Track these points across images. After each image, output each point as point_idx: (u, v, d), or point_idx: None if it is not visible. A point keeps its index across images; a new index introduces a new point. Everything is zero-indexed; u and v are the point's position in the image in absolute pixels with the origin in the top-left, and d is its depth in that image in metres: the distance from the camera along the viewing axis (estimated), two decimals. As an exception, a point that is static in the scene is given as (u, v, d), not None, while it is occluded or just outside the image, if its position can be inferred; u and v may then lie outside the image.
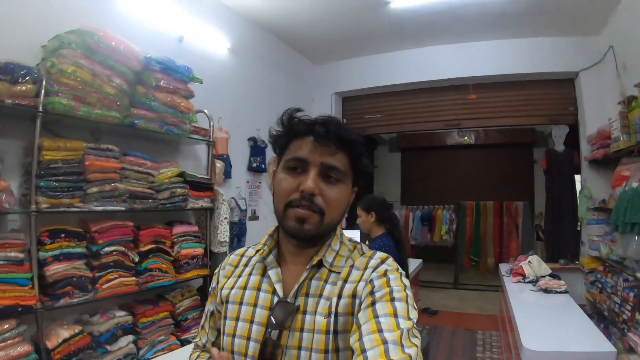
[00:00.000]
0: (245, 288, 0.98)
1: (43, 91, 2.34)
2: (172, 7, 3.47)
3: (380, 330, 0.77)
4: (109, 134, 2.84)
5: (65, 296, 2.37)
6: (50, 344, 2.25)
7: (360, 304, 0.87)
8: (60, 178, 2.43)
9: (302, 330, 0.88)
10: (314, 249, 0.97)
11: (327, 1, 4.13)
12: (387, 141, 10.18)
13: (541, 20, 4.58)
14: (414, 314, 0.84)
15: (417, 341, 0.79)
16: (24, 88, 2.26)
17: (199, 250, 3.17)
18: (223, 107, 3.92)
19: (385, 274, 0.90)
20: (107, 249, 2.60)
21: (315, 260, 0.94)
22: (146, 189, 2.86)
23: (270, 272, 0.97)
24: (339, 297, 0.90)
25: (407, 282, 0.91)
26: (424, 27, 4.82)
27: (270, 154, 4.54)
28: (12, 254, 2.19)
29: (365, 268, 0.94)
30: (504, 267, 4.33)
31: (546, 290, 3.35)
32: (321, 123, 0.94)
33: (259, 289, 0.96)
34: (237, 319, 0.94)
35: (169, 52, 3.10)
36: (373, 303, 0.84)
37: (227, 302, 0.99)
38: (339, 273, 0.94)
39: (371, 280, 0.89)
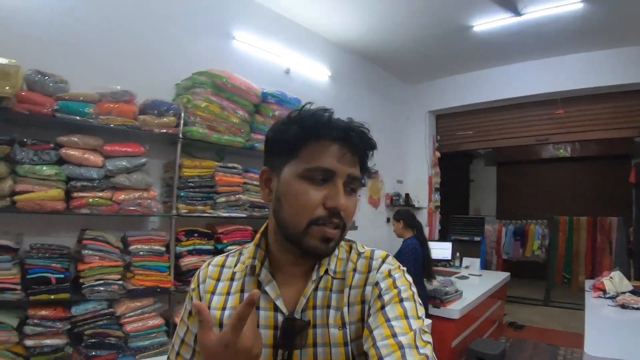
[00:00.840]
0: None
1: (182, 122, 3.00)
2: (280, 45, 4.08)
3: (394, 335, 0.76)
4: (231, 154, 3.46)
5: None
6: (177, 320, 2.82)
7: (370, 308, 0.84)
8: (196, 190, 3.09)
9: (315, 345, 0.82)
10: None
11: (417, 27, 4.47)
12: (483, 155, 9.93)
13: (627, 30, 4.39)
14: (421, 311, 0.83)
15: (428, 337, 0.79)
16: (167, 120, 2.94)
17: None
18: None
19: (390, 274, 0.87)
20: (230, 247, 3.14)
21: (322, 271, 0.88)
22: (263, 200, 3.36)
23: (267, 288, 0.86)
24: (348, 305, 0.86)
25: (410, 278, 0.89)
26: (508, 46, 4.97)
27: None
28: (156, 247, 2.86)
29: (369, 271, 0.89)
30: (588, 283, 4.17)
31: (623, 306, 3.24)
32: (355, 129, 0.84)
33: (257, 308, 0.85)
34: None
35: (278, 82, 3.72)
36: (383, 307, 0.82)
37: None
38: (343, 279, 0.89)
39: (377, 283, 0.86)
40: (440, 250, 5.18)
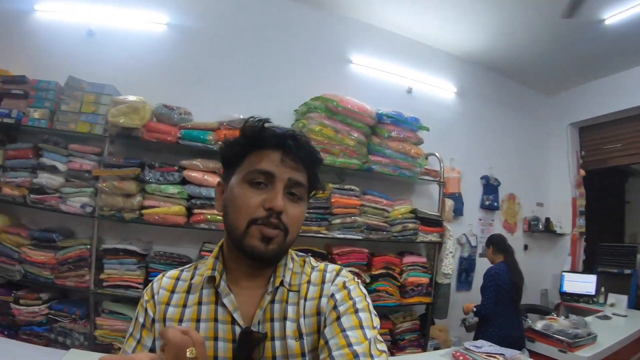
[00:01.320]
0: (198, 320, 0.85)
1: None
2: (400, 64, 3.97)
3: (349, 345, 0.78)
4: (351, 177, 3.45)
5: None
6: None
7: (325, 319, 0.85)
8: (312, 211, 3.11)
9: (274, 358, 0.83)
10: (269, 270, 0.90)
11: (542, 29, 3.87)
12: (643, 172, 8.29)
13: None
14: (377, 322, 0.85)
15: (383, 346, 0.82)
16: None
17: (425, 280, 3.42)
18: (454, 149, 4.12)
19: (344, 286, 0.89)
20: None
21: (277, 282, 0.88)
22: (381, 223, 3.30)
23: (225, 301, 0.85)
24: (304, 316, 0.86)
25: (364, 290, 0.90)
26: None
27: (504, 191, 4.50)
28: None
29: (323, 282, 0.90)
30: None
31: None
32: (292, 136, 0.87)
33: (215, 320, 0.85)
34: None
35: (399, 103, 3.61)
36: (338, 317, 0.83)
37: None
38: (297, 292, 0.89)
39: (332, 295, 0.87)
40: (583, 283, 4.48)
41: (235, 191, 0.85)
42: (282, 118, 3.35)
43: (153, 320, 0.87)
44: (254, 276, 0.88)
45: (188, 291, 0.90)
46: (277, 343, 0.83)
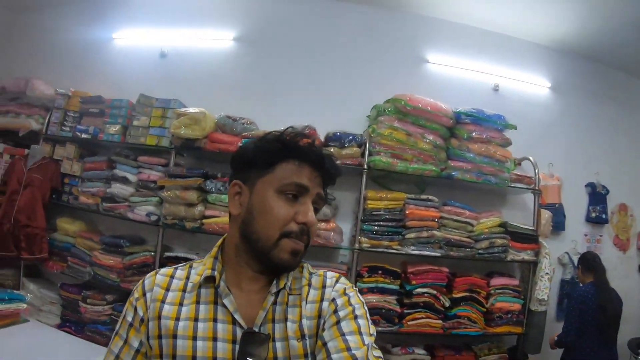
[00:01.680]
0: (196, 319, 0.83)
1: (367, 152, 2.87)
2: (483, 60, 3.51)
3: (348, 349, 0.78)
4: (433, 186, 3.10)
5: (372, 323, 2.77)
6: None
7: (324, 323, 0.86)
8: (382, 223, 2.82)
9: (275, 358, 0.81)
10: (273, 275, 0.89)
11: None
12: None
13: None
14: (373, 329, 0.86)
15: (379, 352, 0.82)
16: (350, 151, 2.86)
17: (516, 306, 2.89)
18: (552, 152, 3.52)
19: (344, 292, 0.90)
20: (420, 290, 2.77)
21: (282, 284, 0.87)
22: (464, 238, 2.88)
23: (226, 301, 0.84)
24: (305, 318, 0.86)
25: (362, 298, 0.91)
26: None
27: (613, 201, 3.72)
28: None
29: (324, 287, 0.92)
30: None
31: None
32: (327, 156, 0.92)
33: (215, 320, 0.83)
34: (194, 358, 0.79)
35: (484, 102, 3.14)
36: (338, 322, 0.84)
37: (174, 336, 0.81)
38: (299, 295, 0.89)
39: (333, 300, 0.88)
40: None
41: (268, 200, 0.85)
42: (354, 125, 3.10)
43: (142, 320, 0.85)
44: (256, 280, 0.88)
45: (184, 290, 0.88)
46: (279, 344, 0.83)
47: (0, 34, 4.20)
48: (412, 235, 2.82)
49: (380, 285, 2.78)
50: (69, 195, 3.25)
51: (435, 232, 2.83)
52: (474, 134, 2.89)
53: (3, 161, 3.38)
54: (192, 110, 2.96)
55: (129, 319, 0.86)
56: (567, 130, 3.69)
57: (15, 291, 2.50)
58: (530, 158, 3.18)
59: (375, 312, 2.72)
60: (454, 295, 2.83)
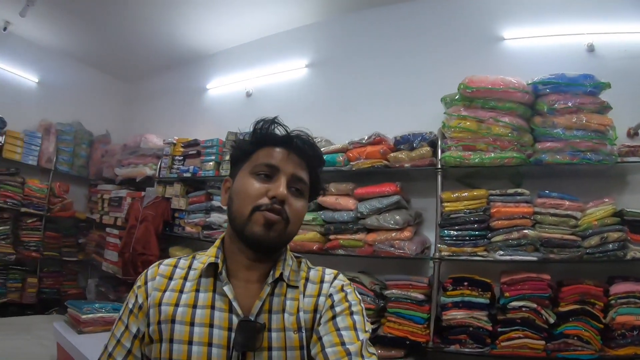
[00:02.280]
0: (195, 306, 0.86)
1: (440, 150, 2.60)
2: (571, 19, 2.74)
3: (343, 343, 0.81)
4: (531, 178, 2.58)
5: (456, 343, 2.35)
6: None
7: (321, 317, 0.88)
8: (461, 227, 2.46)
9: (270, 349, 0.84)
10: (268, 264, 0.92)
11: None
12: None
13: None
14: (368, 326, 0.88)
15: (373, 349, 0.85)
16: (421, 151, 2.64)
17: None
18: None
19: (342, 288, 0.93)
20: (515, 303, 2.25)
21: (277, 274, 0.90)
22: (567, 235, 2.26)
23: (225, 288, 0.86)
24: (303, 311, 0.89)
25: (359, 295, 0.94)
26: None
27: None
28: (414, 295, 2.47)
29: (322, 282, 0.95)
30: None
31: None
32: (297, 136, 0.95)
33: (212, 307, 0.86)
34: (191, 342, 0.82)
35: (577, 68, 2.41)
36: (334, 317, 0.87)
37: (172, 321, 0.84)
38: (296, 287, 0.92)
39: (331, 295, 0.91)
40: None
41: (241, 182, 0.91)
42: (431, 123, 2.78)
43: (140, 307, 0.89)
44: (253, 268, 0.91)
45: (185, 278, 0.92)
46: (274, 334, 0.85)
47: (121, 101, 5.52)
48: (499, 237, 2.35)
49: (467, 299, 2.36)
50: (178, 227, 3.88)
51: (527, 231, 2.29)
52: (556, 104, 2.29)
53: (126, 203, 4.20)
54: None
55: (130, 305, 0.91)
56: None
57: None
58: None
59: (461, 330, 2.34)
60: (561, 309, 2.20)
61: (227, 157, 3.46)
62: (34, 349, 3.12)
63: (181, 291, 0.89)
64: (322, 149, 2.82)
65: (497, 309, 2.37)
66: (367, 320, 0.89)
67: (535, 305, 2.23)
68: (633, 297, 2.14)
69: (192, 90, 4.73)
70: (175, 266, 0.94)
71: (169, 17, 3.96)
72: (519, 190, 2.39)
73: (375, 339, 2.45)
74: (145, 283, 0.91)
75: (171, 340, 0.83)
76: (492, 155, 2.40)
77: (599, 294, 2.19)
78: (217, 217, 3.46)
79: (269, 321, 0.86)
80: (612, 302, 2.17)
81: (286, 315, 0.87)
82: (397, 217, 2.62)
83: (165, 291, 0.89)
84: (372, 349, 0.84)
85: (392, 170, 2.76)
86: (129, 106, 5.68)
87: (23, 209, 4.40)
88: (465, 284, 2.40)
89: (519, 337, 2.23)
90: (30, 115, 4.71)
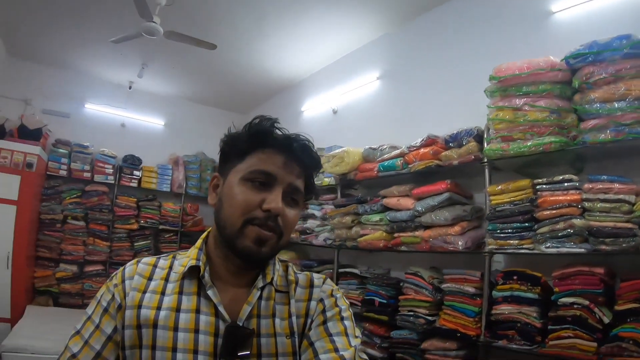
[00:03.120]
0: (178, 310, 0.79)
1: (485, 144, 2.55)
2: None
3: (336, 349, 0.79)
4: (595, 161, 2.30)
5: (504, 338, 2.24)
6: None
7: (312, 322, 0.86)
8: (506, 220, 2.36)
9: (259, 355, 0.79)
10: (256, 269, 0.88)
11: None
12: None
13: None
14: (358, 332, 0.87)
15: (365, 356, 0.83)
16: (468, 147, 2.62)
17: None
18: None
19: (332, 293, 0.91)
20: (566, 299, 2.05)
21: (268, 279, 0.87)
22: (619, 223, 1.95)
23: (210, 292, 0.81)
24: (295, 316, 0.86)
25: (347, 301, 0.93)
26: None
27: None
28: (467, 288, 2.48)
29: (311, 286, 0.92)
30: None
31: None
32: (297, 141, 0.86)
33: (197, 312, 0.79)
34: (175, 349, 0.76)
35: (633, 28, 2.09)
36: (325, 322, 0.85)
37: (154, 326, 0.78)
38: (286, 292, 0.89)
39: (322, 300, 0.89)
40: None
41: (234, 188, 0.83)
42: (483, 117, 2.63)
43: (120, 307, 0.81)
44: (239, 275, 0.86)
45: (166, 279, 0.85)
46: (264, 340, 0.81)
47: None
48: (544, 229, 2.16)
49: (516, 293, 2.23)
50: None
51: (575, 220, 2.06)
52: (591, 78, 2.02)
53: None
54: (337, 151, 3.51)
55: (104, 304, 0.82)
56: None
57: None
58: None
59: (509, 326, 2.22)
60: (618, 308, 1.90)
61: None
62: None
63: (163, 293, 0.82)
64: (384, 156, 3.16)
65: (549, 306, 2.15)
66: (356, 326, 0.87)
67: (587, 302, 1.98)
68: None
69: (290, 114, 5.20)
70: (155, 265, 0.88)
71: (262, 51, 4.48)
72: (567, 176, 2.16)
73: (433, 331, 2.59)
74: (123, 281, 0.84)
75: (154, 347, 0.76)
76: (530, 142, 2.22)
77: None
78: (311, 223, 3.85)
79: (258, 326, 0.82)
80: None
81: (277, 320, 0.84)
82: (447, 213, 2.64)
83: (144, 292, 0.82)
84: (364, 355, 0.82)
85: (444, 168, 2.76)
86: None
87: (161, 227, 5.40)
88: (515, 277, 2.27)
89: (569, 337, 1.99)
90: (160, 152, 5.75)
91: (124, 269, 0.86)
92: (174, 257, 0.90)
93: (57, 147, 4.96)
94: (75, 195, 4.95)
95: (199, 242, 0.89)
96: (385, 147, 3.21)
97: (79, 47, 4.62)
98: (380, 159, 3.17)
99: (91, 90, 5.39)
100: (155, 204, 5.42)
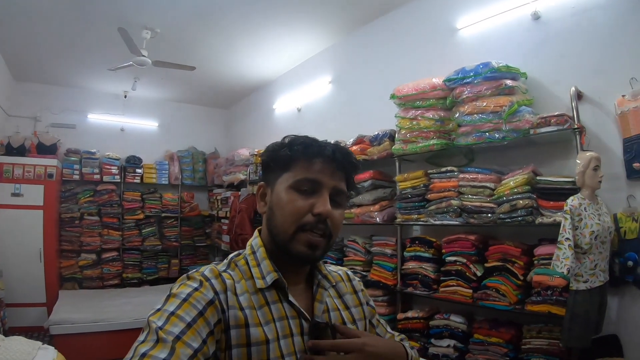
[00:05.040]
0: (274, 320, 0.77)
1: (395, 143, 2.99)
2: None
3: (392, 334, 0.98)
4: (484, 153, 2.72)
5: (411, 286, 2.79)
6: (399, 315, 2.86)
7: (365, 309, 0.94)
8: (408, 200, 2.88)
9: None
10: (307, 268, 0.89)
11: None
12: None
13: None
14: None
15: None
16: (384, 146, 3.08)
17: (559, 281, 1.98)
18: (628, 58, 2.21)
19: (362, 286, 0.99)
20: (451, 258, 2.60)
21: (329, 277, 0.90)
22: (485, 203, 2.45)
23: (292, 299, 0.81)
24: (353, 307, 0.92)
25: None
26: None
27: None
28: (387, 250, 3.03)
29: (349, 280, 0.97)
30: None
31: None
32: (338, 148, 0.85)
33: (286, 318, 0.79)
34: (283, 357, 0.75)
35: (525, 41, 2.62)
36: (373, 315, 0.97)
37: (266, 342, 0.74)
38: (334, 286, 0.91)
39: (362, 290, 0.97)
40: None
41: (284, 196, 0.81)
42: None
43: (219, 321, 0.72)
44: (298, 273, 0.86)
45: (250, 292, 0.79)
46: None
47: (222, 124, 6.55)
48: (432, 207, 2.69)
49: (418, 253, 2.80)
50: None
51: (452, 200, 2.57)
52: (461, 96, 2.49)
53: (230, 200, 5.10)
54: None
55: (212, 321, 0.71)
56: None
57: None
58: (575, 88, 2.25)
59: (414, 277, 2.79)
60: (487, 265, 2.42)
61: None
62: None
63: (255, 308, 0.77)
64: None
65: (441, 263, 2.71)
66: None
67: (465, 260, 2.51)
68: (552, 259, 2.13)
69: (264, 111, 5.54)
70: (232, 279, 0.79)
71: (235, 61, 4.79)
72: (449, 168, 2.64)
73: (366, 283, 3.01)
74: (217, 295, 0.74)
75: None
76: (421, 144, 2.72)
77: (517, 254, 2.33)
78: None
79: (330, 319, 0.84)
80: (535, 262, 2.26)
81: (341, 312, 0.88)
82: (369, 196, 3.14)
83: (242, 309, 0.76)
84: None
85: (370, 161, 3.18)
86: (228, 126, 6.85)
87: (163, 215, 5.86)
88: (417, 242, 2.83)
89: (453, 285, 2.54)
90: (156, 150, 6.14)
91: (209, 284, 0.75)
92: (236, 266, 0.83)
93: (69, 155, 5.33)
94: (88, 195, 5.38)
95: (263, 250, 0.84)
96: (332, 142, 3.60)
97: (79, 68, 4.94)
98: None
99: (92, 102, 5.71)
100: (156, 195, 5.84)
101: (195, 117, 6.59)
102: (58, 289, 4.83)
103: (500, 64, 2.37)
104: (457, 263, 2.54)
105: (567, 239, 1.97)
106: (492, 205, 2.43)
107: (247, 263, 0.83)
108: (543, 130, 2.28)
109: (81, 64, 4.80)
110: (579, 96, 2.33)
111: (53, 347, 2.36)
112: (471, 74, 2.45)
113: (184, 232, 6.03)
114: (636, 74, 2.16)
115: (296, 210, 0.78)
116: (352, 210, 3.26)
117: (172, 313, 0.68)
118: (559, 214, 2.13)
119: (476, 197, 2.49)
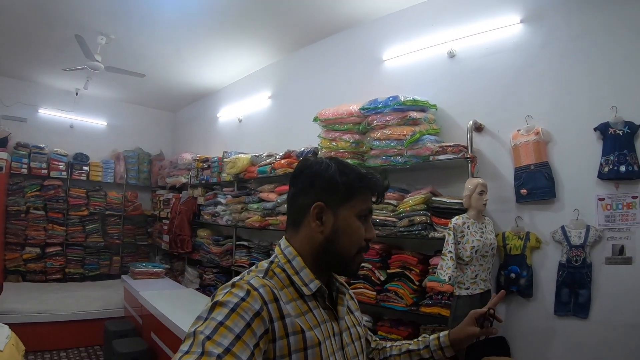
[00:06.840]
0: (318, 324, 0.79)
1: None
2: (437, 29, 2.86)
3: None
4: (398, 173, 2.88)
5: None
6: None
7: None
8: None
9: (353, 342, 0.88)
10: None
11: None
12: None
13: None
14: None
15: None
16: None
17: (447, 287, 2.26)
18: (532, 101, 2.40)
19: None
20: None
21: (344, 284, 0.95)
22: (388, 217, 2.59)
23: (328, 303, 0.85)
24: (355, 310, 0.97)
25: None
26: None
27: None
28: None
29: (349, 286, 1.02)
30: None
31: None
32: (384, 181, 0.93)
33: (326, 321, 0.82)
34: (329, 356, 0.78)
35: (441, 75, 2.84)
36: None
37: (319, 344, 0.76)
38: (346, 291, 0.95)
39: (354, 299, 1.00)
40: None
41: (353, 224, 0.84)
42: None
43: (267, 331, 0.70)
44: (321, 281, 0.85)
45: (295, 299, 0.79)
46: (352, 330, 0.89)
47: (168, 127, 6.36)
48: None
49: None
50: (201, 216, 4.65)
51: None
52: (373, 123, 2.62)
53: (172, 202, 5.02)
54: (231, 157, 3.93)
55: (259, 331, 0.68)
56: (553, 65, 2.37)
57: (159, 263, 4.48)
58: (475, 121, 2.47)
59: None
60: (390, 271, 2.57)
61: (225, 169, 4.12)
62: (114, 294, 4.37)
63: (302, 314, 0.78)
64: (261, 163, 3.62)
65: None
66: None
67: (370, 266, 2.62)
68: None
69: (209, 117, 5.43)
70: (273, 288, 0.76)
71: (183, 68, 4.69)
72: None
73: None
74: (266, 305, 0.71)
75: None
76: (339, 163, 2.83)
77: (414, 262, 2.50)
78: (220, 209, 4.28)
79: (346, 321, 0.88)
80: (430, 270, 2.44)
81: (353, 314, 0.94)
82: (268, 204, 3.47)
83: (295, 317, 0.75)
84: None
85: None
86: (174, 129, 6.65)
87: (107, 212, 5.60)
88: None
89: (361, 288, 2.65)
90: (104, 148, 5.87)
91: (257, 294, 0.72)
92: (274, 274, 0.81)
93: (18, 149, 4.99)
94: (35, 190, 5.06)
95: (301, 260, 0.82)
96: (264, 155, 3.66)
97: (34, 63, 4.68)
98: (259, 164, 3.64)
99: (43, 97, 5.37)
100: (101, 193, 5.57)
101: (143, 119, 6.35)
102: (2, 280, 4.54)
103: (407, 98, 2.51)
104: (365, 268, 2.65)
105: (450, 251, 2.15)
106: (394, 219, 2.56)
107: (285, 271, 0.81)
108: (441, 157, 2.44)
109: (36, 59, 4.53)
110: (479, 128, 2.53)
111: (8, 326, 2.47)
112: (381, 105, 2.58)
113: (127, 231, 5.80)
114: (533, 111, 2.36)
115: (361, 237, 0.84)
116: (278, 217, 3.37)
117: (221, 323, 0.65)
118: (447, 230, 2.27)
119: (382, 211, 2.62)
